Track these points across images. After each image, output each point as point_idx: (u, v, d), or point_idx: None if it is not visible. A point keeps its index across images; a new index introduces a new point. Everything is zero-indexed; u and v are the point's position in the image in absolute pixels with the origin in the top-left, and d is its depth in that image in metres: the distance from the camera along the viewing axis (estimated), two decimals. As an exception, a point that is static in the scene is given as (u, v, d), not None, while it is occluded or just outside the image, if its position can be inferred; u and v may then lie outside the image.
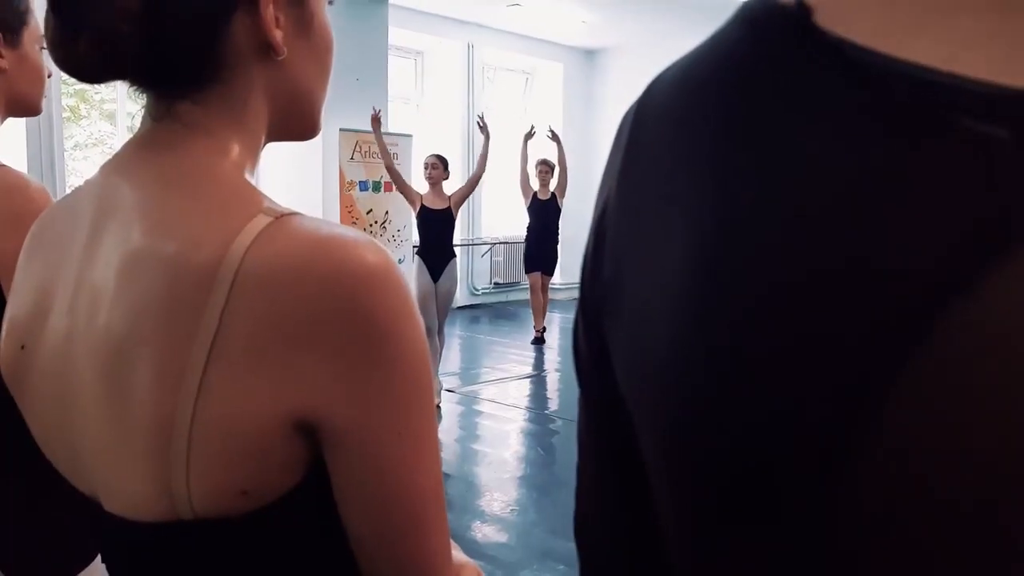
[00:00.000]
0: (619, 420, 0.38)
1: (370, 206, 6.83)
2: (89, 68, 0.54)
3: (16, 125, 5.24)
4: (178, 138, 0.56)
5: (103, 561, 0.63)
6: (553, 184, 6.91)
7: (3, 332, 0.62)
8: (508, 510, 3.40)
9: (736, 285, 0.29)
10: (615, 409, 0.38)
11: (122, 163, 0.58)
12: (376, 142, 5.18)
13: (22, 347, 0.59)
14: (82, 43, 0.53)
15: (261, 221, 0.51)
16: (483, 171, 5.14)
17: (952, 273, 0.24)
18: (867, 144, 0.26)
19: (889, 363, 0.25)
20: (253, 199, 0.54)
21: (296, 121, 0.64)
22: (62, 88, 5.89)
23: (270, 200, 0.54)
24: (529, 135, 6.58)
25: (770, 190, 0.29)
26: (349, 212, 6.59)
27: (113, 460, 0.53)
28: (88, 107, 7.18)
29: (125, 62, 0.54)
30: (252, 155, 0.60)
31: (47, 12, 0.54)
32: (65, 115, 6.22)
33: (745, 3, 0.33)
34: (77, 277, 0.56)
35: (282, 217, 0.52)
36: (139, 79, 0.57)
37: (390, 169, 4.94)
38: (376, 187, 6.88)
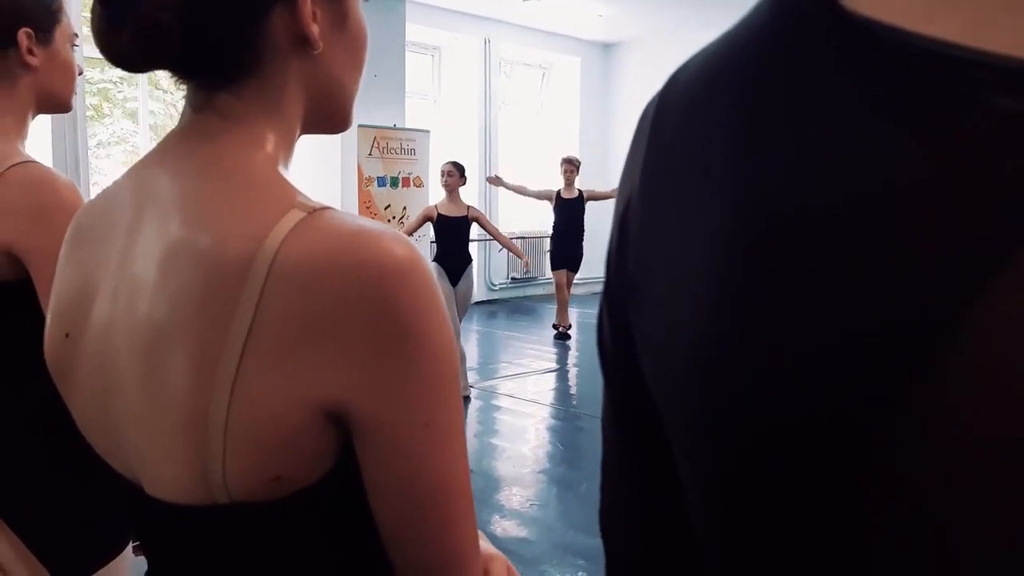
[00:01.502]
0: (643, 411, 0.38)
1: (388, 202, 6.85)
2: (131, 57, 0.56)
3: (42, 124, 5.30)
4: (216, 130, 0.58)
5: (141, 543, 0.64)
6: (579, 183, 6.86)
7: (47, 322, 0.64)
8: (528, 505, 3.41)
9: (774, 256, 0.29)
10: (639, 400, 0.38)
11: (163, 154, 0.60)
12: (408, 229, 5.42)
13: (66, 335, 0.61)
14: (125, 33, 0.54)
15: (295, 216, 0.52)
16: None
17: (989, 251, 0.24)
18: (898, 122, 0.26)
19: (922, 355, 0.25)
20: (287, 193, 0.55)
21: (329, 114, 0.66)
22: (86, 87, 5.96)
23: (303, 194, 0.56)
24: (493, 181, 6.92)
25: (799, 168, 0.28)
26: (368, 208, 6.62)
27: (152, 445, 0.55)
28: (111, 106, 7.26)
29: (165, 52, 0.56)
30: (287, 147, 0.61)
31: (93, 2, 0.56)
32: (89, 114, 6.29)
33: None
34: (119, 266, 0.58)
35: (315, 212, 0.53)
36: (179, 69, 0.59)
37: (414, 227, 5.19)
38: (394, 183, 6.90)
